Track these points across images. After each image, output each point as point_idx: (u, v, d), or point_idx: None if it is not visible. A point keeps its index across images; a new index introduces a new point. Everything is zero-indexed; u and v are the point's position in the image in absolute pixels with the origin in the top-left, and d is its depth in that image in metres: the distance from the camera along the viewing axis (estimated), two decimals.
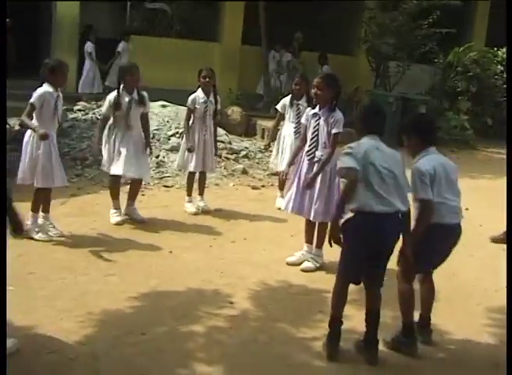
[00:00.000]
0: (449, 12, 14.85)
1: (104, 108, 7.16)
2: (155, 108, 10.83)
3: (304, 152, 6.05)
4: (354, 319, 4.98)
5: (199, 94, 7.63)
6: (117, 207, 7.21)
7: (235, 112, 12.60)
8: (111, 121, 7.04)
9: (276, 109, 8.38)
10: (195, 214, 7.66)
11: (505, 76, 16.52)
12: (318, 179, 5.90)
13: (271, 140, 8.47)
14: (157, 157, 9.43)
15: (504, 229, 7.31)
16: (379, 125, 4.62)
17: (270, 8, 14.71)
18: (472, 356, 4.71)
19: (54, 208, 7.18)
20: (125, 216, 7.23)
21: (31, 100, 6.19)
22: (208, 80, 7.57)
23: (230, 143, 10.47)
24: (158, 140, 9.83)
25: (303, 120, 6.20)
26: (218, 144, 8.70)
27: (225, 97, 14.37)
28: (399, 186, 4.37)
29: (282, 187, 8.14)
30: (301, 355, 4.42)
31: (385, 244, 4.38)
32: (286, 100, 8.21)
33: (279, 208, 7.77)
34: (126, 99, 6.93)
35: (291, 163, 6.28)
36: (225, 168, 9.66)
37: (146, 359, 4.21)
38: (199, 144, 7.66)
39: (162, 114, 10.58)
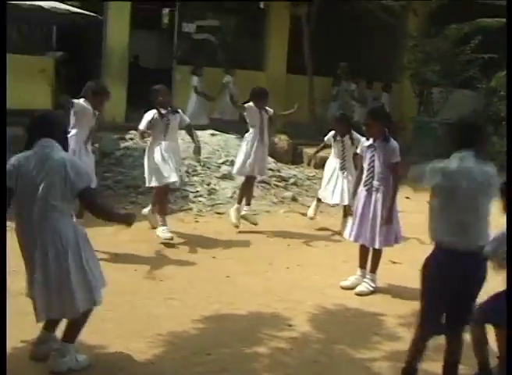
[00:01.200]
0: (491, 37, 14.97)
1: (142, 124, 7.66)
2: (205, 137, 11.12)
3: (362, 182, 6.29)
4: (409, 341, 5.13)
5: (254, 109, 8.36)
6: (165, 224, 7.62)
7: (282, 140, 12.82)
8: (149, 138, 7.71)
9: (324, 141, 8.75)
10: (237, 226, 8.23)
11: None
12: (379, 208, 6.13)
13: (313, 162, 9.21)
14: (208, 185, 9.68)
15: None
16: (474, 138, 4.11)
17: (314, 37, 14.99)
18: None
19: (115, 234, 7.50)
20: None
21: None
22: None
23: (279, 171, 10.69)
24: (209, 168, 10.08)
25: (358, 151, 6.44)
26: (267, 171, 9.69)
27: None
28: (483, 218, 4.02)
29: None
30: None
31: (463, 285, 4.01)
32: (332, 133, 8.55)
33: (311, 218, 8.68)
34: (164, 112, 7.62)
35: (354, 194, 6.45)
36: (274, 195, 9.87)
37: None
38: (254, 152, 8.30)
39: (212, 143, 10.85)
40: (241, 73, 15.81)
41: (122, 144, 11.29)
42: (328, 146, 8.71)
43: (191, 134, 8.12)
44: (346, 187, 8.24)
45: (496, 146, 15.06)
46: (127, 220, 4.54)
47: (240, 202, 8.39)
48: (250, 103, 8.40)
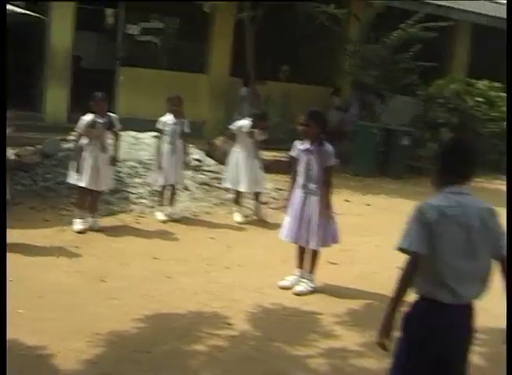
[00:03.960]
0: (430, 45, 15.37)
1: (80, 128, 8.14)
2: (147, 138, 11.15)
3: (298, 185, 6.42)
4: (345, 338, 5.34)
5: (168, 117, 8.97)
6: (82, 216, 8.11)
7: (222, 142, 12.89)
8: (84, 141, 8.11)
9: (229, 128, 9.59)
10: (164, 222, 8.71)
11: (484, 107, 17.09)
12: (315, 210, 6.29)
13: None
14: (149, 186, 9.71)
15: None
16: (467, 169, 3.46)
17: (257, 41, 15.15)
18: None
19: (55, 236, 7.54)
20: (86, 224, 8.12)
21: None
22: (177, 106, 8.96)
23: (220, 173, 10.77)
24: (151, 169, 10.10)
25: (292, 153, 6.57)
26: (208, 173, 10.61)
27: (213, 128, 14.77)
28: (481, 265, 3.37)
29: (239, 201, 9.36)
30: (297, 372, 4.75)
31: (454, 345, 3.39)
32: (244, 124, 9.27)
33: (240, 223, 9.07)
34: (100, 121, 8.08)
35: (289, 196, 6.62)
36: (216, 197, 9.98)
37: None
38: (168, 160, 8.92)
39: (155, 144, 10.86)
40: (183, 75, 15.90)
41: (65, 146, 11.23)
42: (233, 136, 9.39)
43: (116, 141, 8.43)
44: (256, 174, 9.19)
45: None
46: None
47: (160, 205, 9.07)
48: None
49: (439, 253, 3.30)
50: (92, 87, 14.57)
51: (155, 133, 11.34)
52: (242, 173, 9.13)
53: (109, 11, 19.63)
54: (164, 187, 9.09)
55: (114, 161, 8.41)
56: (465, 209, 3.35)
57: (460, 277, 3.32)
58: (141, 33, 17.28)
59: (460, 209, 3.34)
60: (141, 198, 9.42)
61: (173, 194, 9.18)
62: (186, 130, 9.06)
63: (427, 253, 3.30)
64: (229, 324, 5.49)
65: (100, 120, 8.08)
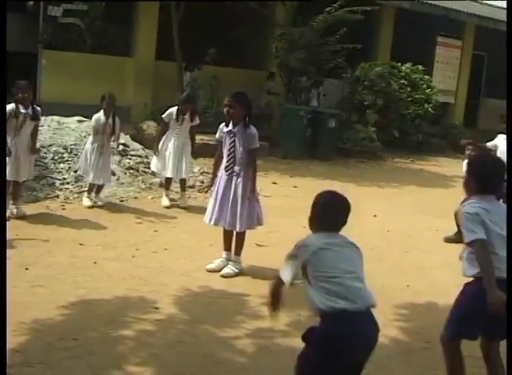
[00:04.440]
0: (356, 28, 15.57)
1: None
2: (72, 123, 10.99)
3: (222, 167, 6.43)
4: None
5: (101, 115, 8.74)
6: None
7: (150, 127, 12.84)
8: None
9: (162, 118, 9.37)
10: (90, 207, 8.64)
11: (408, 90, 17.45)
12: (239, 193, 6.31)
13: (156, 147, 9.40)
14: (75, 172, 9.57)
15: (455, 229, 7.89)
16: (337, 218, 3.72)
17: (184, 24, 15.05)
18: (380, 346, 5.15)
19: None
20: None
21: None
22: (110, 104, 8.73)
23: (147, 157, 10.70)
24: (76, 154, 9.97)
25: (217, 136, 6.57)
26: (135, 158, 10.53)
27: (139, 112, 14.63)
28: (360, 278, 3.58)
29: (168, 187, 9.33)
30: (225, 353, 4.76)
31: (359, 351, 3.50)
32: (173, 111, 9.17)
33: (167, 207, 9.06)
34: (23, 111, 7.78)
35: (213, 179, 6.63)
36: (142, 182, 9.92)
37: (79, 362, 4.45)
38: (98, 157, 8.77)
39: (79, 129, 10.73)
40: (109, 59, 15.69)
41: None
42: (167, 125, 9.26)
43: (34, 133, 8.10)
44: (183, 161, 9.14)
45: (361, 133, 15.79)
46: None
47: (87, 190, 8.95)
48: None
49: (323, 272, 3.54)
50: (13, 70, 14.24)
51: (80, 118, 11.23)
52: (170, 160, 9.09)
53: None
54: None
55: (34, 150, 8.16)
56: (339, 240, 3.65)
57: (351, 288, 3.49)
58: (64, 15, 16.84)
59: (336, 240, 3.63)
60: (67, 183, 9.28)
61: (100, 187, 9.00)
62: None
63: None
64: (157, 308, 5.47)
65: (23, 110, 7.79)
